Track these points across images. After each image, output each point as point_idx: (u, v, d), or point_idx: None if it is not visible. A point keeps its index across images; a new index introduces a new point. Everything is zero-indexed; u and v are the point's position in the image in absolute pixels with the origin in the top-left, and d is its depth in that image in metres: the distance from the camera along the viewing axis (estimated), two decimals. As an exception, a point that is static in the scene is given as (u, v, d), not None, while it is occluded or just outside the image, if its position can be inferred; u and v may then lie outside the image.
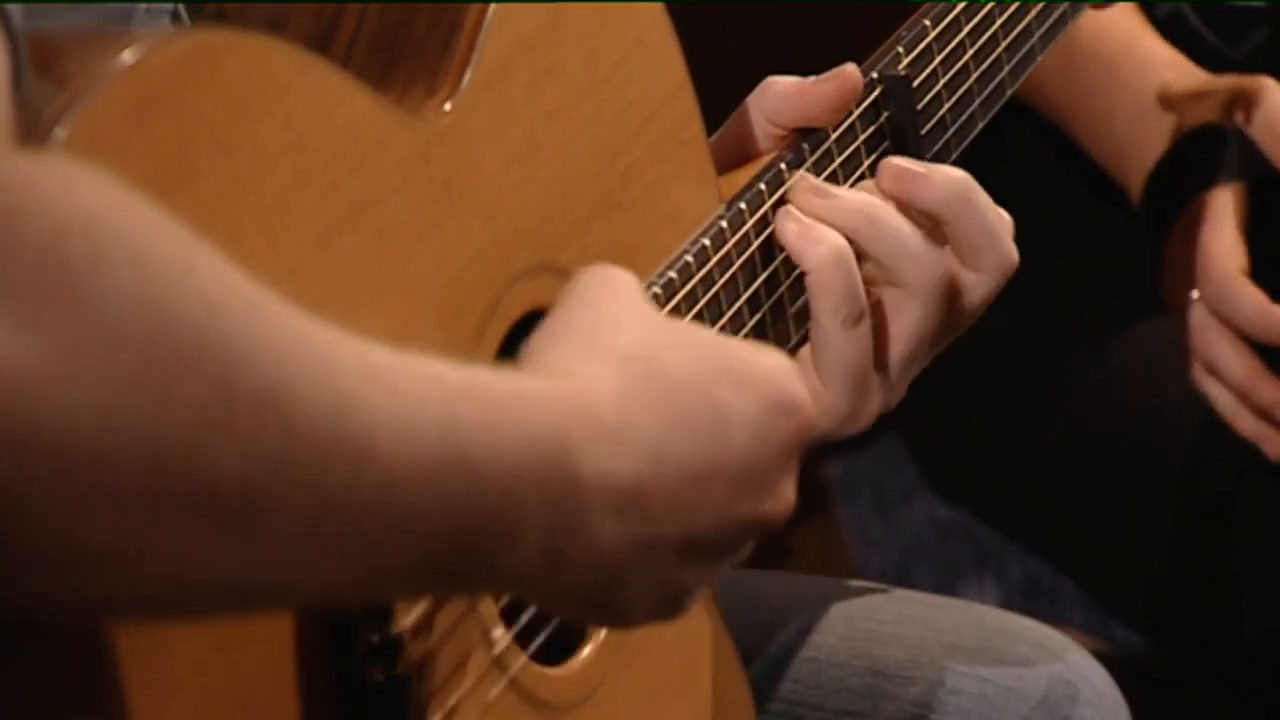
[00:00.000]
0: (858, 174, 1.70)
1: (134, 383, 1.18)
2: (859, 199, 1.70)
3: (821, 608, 1.91)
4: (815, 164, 1.69)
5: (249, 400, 1.21)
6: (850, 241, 1.69)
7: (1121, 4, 2.06)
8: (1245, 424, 2.07)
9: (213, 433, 1.19)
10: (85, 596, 1.21)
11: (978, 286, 1.72)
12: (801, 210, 1.69)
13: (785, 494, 1.45)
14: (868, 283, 1.69)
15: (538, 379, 1.40)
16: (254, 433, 1.21)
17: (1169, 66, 2.19)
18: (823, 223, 1.70)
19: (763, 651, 1.70)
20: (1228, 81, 2.11)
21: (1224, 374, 2.08)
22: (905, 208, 1.71)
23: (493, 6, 1.55)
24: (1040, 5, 1.89)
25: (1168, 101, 2.13)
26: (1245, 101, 2.06)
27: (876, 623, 1.92)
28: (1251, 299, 2.07)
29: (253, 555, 1.24)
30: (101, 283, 1.16)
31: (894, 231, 1.69)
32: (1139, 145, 2.17)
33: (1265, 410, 2.07)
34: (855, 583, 1.94)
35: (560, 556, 1.36)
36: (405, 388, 1.28)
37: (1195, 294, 2.10)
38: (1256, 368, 2.07)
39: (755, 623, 1.69)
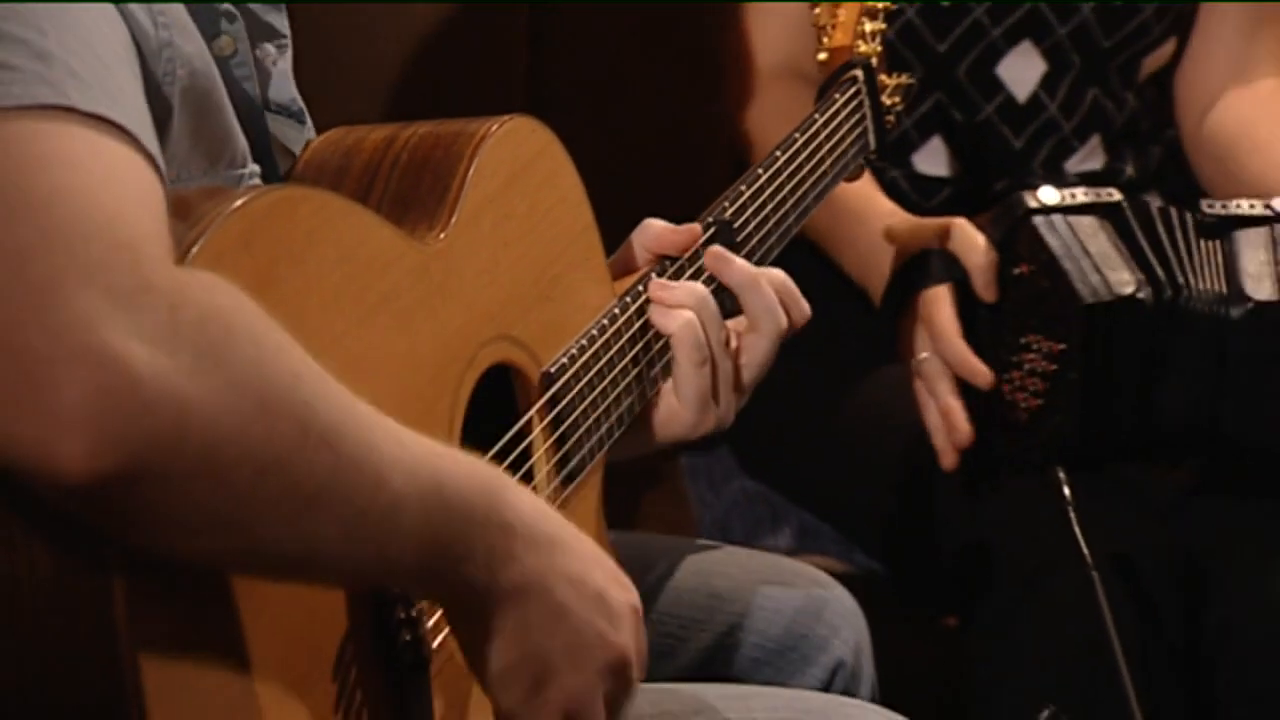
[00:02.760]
0: (695, 279, 1.78)
1: (251, 419, 1.25)
2: (691, 285, 1.75)
3: (677, 557, 1.98)
4: (673, 274, 1.77)
5: (315, 439, 1.28)
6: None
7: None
8: (939, 439, 2.11)
9: (293, 456, 1.27)
10: (210, 551, 1.29)
11: (758, 343, 1.77)
12: (658, 300, 1.74)
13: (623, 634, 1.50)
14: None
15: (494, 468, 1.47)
16: (317, 460, 1.28)
17: (891, 214, 2.25)
18: (674, 305, 1.74)
19: (640, 583, 1.64)
20: (930, 221, 2.18)
21: (936, 398, 2.10)
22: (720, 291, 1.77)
23: (470, 175, 1.59)
24: (815, 178, 1.95)
25: (891, 236, 2.19)
26: (943, 233, 2.12)
27: (711, 565, 1.99)
28: (967, 356, 2.09)
29: (308, 541, 1.32)
30: (232, 353, 1.24)
31: (714, 306, 1.74)
32: (877, 265, 2.21)
33: (954, 433, 2.10)
34: (699, 541, 2.05)
35: (495, 573, 1.41)
36: (411, 445, 1.35)
37: (925, 354, 2.13)
38: (954, 406, 2.09)
39: (636, 566, 1.65)
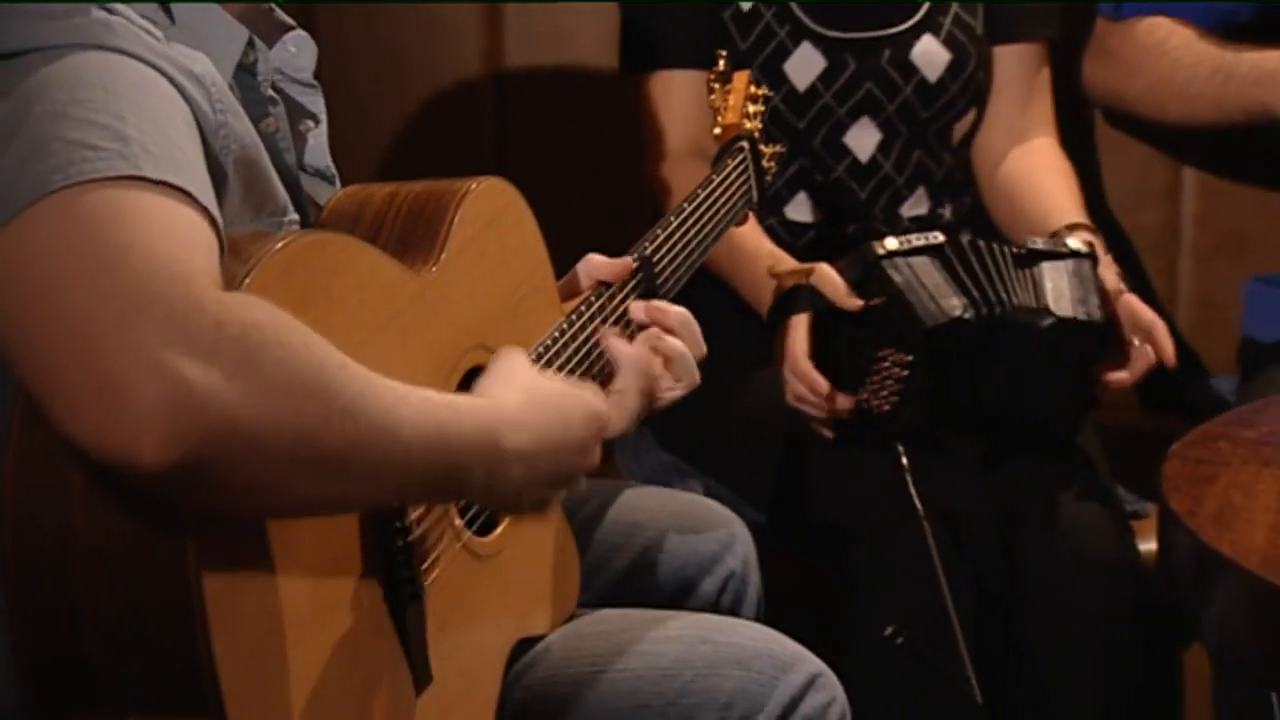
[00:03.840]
0: (625, 299, 1.76)
1: (282, 406, 1.25)
2: (643, 339, 1.73)
3: (606, 496, 1.97)
4: (608, 296, 1.75)
5: (338, 414, 1.28)
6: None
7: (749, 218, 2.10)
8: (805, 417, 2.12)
9: (319, 430, 1.27)
10: (260, 506, 1.30)
11: (684, 360, 1.74)
12: (613, 338, 1.72)
13: (595, 456, 1.55)
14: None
15: (481, 399, 1.48)
16: (341, 430, 1.28)
17: (771, 254, 2.24)
18: (631, 341, 1.73)
19: (575, 517, 1.80)
20: (802, 266, 2.16)
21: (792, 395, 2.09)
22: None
23: (455, 222, 1.59)
24: (713, 224, 1.94)
25: (772, 273, 2.18)
26: (809, 272, 2.11)
27: (633, 500, 1.97)
28: (807, 369, 2.09)
29: (339, 491, 1.33)
30: (265, 355, 1.24)
31: (648, 359, 1.72)
32: (762, 293, 2.19)
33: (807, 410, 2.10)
34: (622, 482, 2.05)
35: (492, 483, 1.44)
36: (416, 403, 1.35)
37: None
38: (805, 395, 2.09)
39: (574, 503, 1.77)
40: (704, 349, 1.77)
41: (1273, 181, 2.46)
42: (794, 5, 2.29)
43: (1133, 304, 2.13)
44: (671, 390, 1.75)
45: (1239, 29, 2.33)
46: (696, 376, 1.75)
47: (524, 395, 1.49)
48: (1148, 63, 2.35)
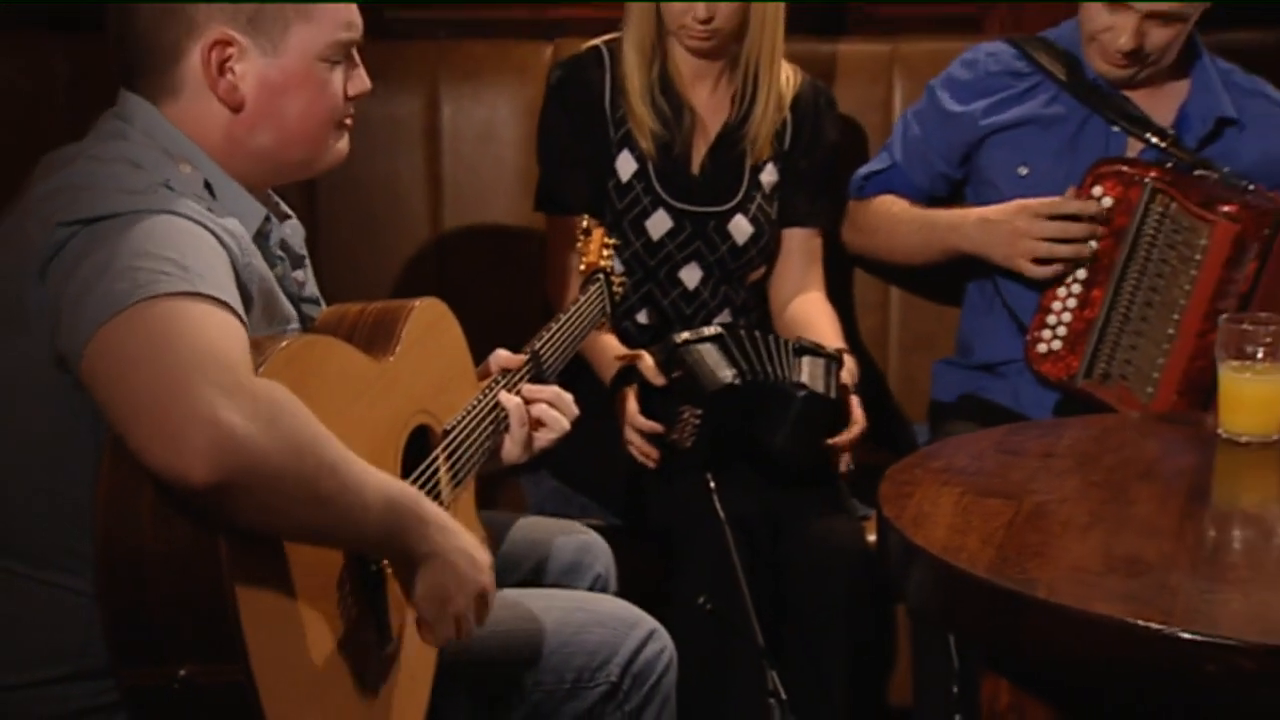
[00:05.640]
0: (519, 381, 1.73)
1: (293, 459, 1.23)
2: (516, 399, 1.70)
3: (511, 523, 1.92)
4: (508, 378, 1.71)
5: (327, 470, 1.26)
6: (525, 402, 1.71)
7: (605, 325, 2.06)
8: (644, 460, 2.08)
9: (315, 478, 1.26)
10: (271, 526, 1.27)
11: (555, 424, 1.73)
12: (504, 395, 1.69)
13: (486, 562, 1.45)
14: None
15: (417, 490, 1.41)
16: (328, 481, 1.27)
17: (616, 348, 2.18)
18: (512, 400, 1.70)
19: (492, 539, 1.68)
20: (631, 352, 2.13)
21: (636, 444, 2.07)
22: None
23: (405, 327, 1.55)
24: (581, 329, 1.93)
25: (616, 359, 2.12)
26: (635, 358, 2.09)
27: (529, 526, 1.92)
28: (639, 421, 2.05)
29: (322, 524, 1.30)
30: (284, 422, 1.23)
31: (524, 409, 1.70)
32: (608, 372, 2.15)
33: (647, 457, 2.06)
34: (523, 516, 1.97)
35: (424, 539, 1.39)
36: (374, 475, 1.32)
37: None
38: (648, 448, 2.06)
39: (491, 529, 1.68)
40: (575, 411, 1.74)
41: (951, 299, 2.45)
42: (655, 183, 2.26)
43: (854, 401, 2.11)
44: (547, 436, 1.72)
45: (937, 200, 2.36)
46: (565, 426, 1.72)
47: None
48: (880, 224, 2.36)
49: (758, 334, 2.10)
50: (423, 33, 2.58)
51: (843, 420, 2.10)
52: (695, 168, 2.27)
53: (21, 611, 1.37)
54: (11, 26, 2.43)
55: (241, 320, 1.29)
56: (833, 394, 2.07)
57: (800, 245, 2.35)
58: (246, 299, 1.39)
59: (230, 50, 1.41)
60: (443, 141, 2.47)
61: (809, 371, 2.07)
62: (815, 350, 2.11)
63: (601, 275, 2.02)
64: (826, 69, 2.46)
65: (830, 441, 2.10)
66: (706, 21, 2.13)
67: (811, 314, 2.31)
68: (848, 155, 2.43)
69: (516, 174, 2.46)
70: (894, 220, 2.33)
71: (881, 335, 2.55)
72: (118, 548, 1.25)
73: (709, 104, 2.26)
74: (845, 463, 2.11)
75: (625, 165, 2.25)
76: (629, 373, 2.10)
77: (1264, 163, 2.15)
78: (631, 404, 2.07)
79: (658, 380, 2.07)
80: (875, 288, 2.53)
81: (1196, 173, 2.07)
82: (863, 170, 2.39)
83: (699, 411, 2.03)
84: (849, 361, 2.15)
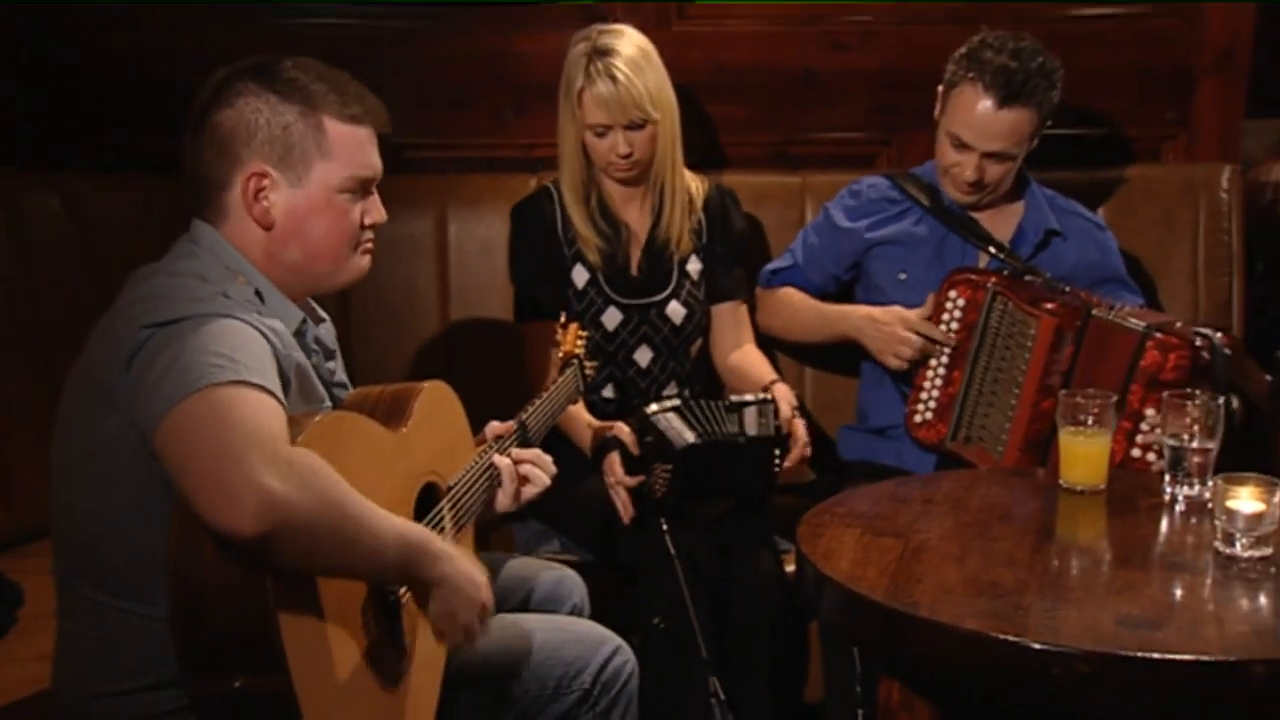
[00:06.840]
0: (510, 445, 1.70)
1: (323, 512, 1.22)
2: (506, 460, 1.68)
3: (503, 562, 1.88)
4: (500, 442, 1.69)
5: (352, 520, 1.26)
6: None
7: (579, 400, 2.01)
8: (621, 509, 2.01)
9: (341, 527, 1.25)
10: (306, 566, 1.26)
11: (538, 480, 1.69)
12: (496, 456, 1.67)
13: (483, 583, 1.45)
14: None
15: (427, 530, 1.40)
16: (352, 528, 1.26)
17: (592, 422, 2.14)
18: (503, 461, 1.67)
19: (491, 578, 1.55)
20: (607, 424, 2.08)
21: (619, 496, 2.02)
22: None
23: (415, 405, 1.52)
24: (559, 404, 1.88)
25: (591, 432, 2.10)
26: (611, 428, 2.03)
27: (518, 565, 1.88)
28: (623, 479, 2.01)
29: (347, 562, 1.29)
30: (316, 484, 1.22)
31: (513, 467, 1.67)
32: (583, 442, 2.11)
33: (625, 509, 2.01)
34: (514, 555, 1.93)
35: (434, 569, 1.38)
36: (391, 520, 1.31)
37: (611, 477, 2.04)
38: (626, 499, 2.00)
39: (486, 565, 1.53)
40: (554, 470, 1.72)
41: (854, 373, 2.41)
42: (604, 286, 2.24)
43: (796, 424, 2.08)
44: (532, 490, 1.70)
45: (829, 296, 2.36)
46: (547, 482, 1.70)
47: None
48: (784, 310, 2.36)
49: (704, 401, 2.07)
50: (434, 168, 2.58)
51: (784, 446, 2.06)
52: (634, 269, 2.26)
53: (113, 634, 1.37)
54: (122, 169, 2.48)
55: (280, 401, 1.28)
56: (771, 430, 2.02)
57: (729, 314, 2.33)
58: (285, 383, 1.37)
59: (265, 181, 1.42)
60: (450, 255, 2.48)
61: (751, 420, 2.03)
62: (749, 401, 2.05)
63: (576, 360, 2.00)
64: (759, 193, 2.49)
65: (784, 465, 2.06)
66: (627, 156, 2.15)
67: (746, 360, 2.28)
68: (755, 241, 2.45)
69: (509, 281, 2.40)
70: (794, 308, 2.34)
71: (798, 401, 2.55)
72: (186, 584, 1.24)
73: (638, 218, 2.26)
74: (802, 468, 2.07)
75: (579, 275, 2.24)
76: (610, 441, 2.06)
77: (1080, 266, 2.22)
78: (617, 465, 2.04)
79: (635, 450, 2.03)
80: (792, 365, 2.51)
81: (1027, 278, 2.13)
82: (770, 266, 2.39)
83: (668, 466, 2.00)
84: (782, 390, 2.10)
